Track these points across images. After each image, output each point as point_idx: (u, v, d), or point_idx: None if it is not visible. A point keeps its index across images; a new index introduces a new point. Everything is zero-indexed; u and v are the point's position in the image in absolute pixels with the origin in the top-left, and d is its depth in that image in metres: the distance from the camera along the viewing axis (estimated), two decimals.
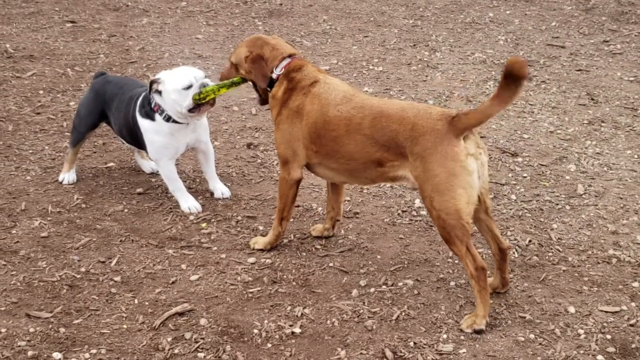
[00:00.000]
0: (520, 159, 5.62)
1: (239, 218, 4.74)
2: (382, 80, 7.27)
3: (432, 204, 3.65)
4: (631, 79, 7.40)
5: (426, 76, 7.40)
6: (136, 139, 4.83)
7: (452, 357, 3.53)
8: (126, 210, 4.80)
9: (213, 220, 4.71)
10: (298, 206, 4.88)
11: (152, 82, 4.61)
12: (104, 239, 4.46)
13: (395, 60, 7.86)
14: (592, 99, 6.87)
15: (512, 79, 3.43)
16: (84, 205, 4.83)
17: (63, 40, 8.14)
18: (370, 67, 7.62)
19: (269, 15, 9.38)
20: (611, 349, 3.60)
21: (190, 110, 4.59)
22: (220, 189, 4.99)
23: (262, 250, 4.36)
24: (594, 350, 3.59)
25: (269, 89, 4.24)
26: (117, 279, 4.08)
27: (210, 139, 5.02)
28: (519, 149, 5.78)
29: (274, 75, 4.19)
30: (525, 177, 5.37)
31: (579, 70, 7.65)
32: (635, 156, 5.71)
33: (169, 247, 4.40)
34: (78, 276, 4.09)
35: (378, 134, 3.80)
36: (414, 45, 8.38)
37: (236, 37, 8.49)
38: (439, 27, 9.10)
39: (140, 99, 4.74)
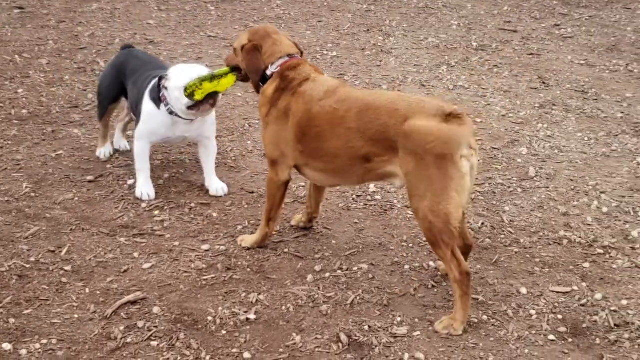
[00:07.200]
0: None
1: (193, 205, 4.69)
2: (336, 65, 7.26)
3: (423, 203, 3.50)
4: (581, 62, 7.50)
5: (380, 61, 7.41)
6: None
7: (406, 339, 3.54)
8: (76, 198, 4.72)
9: (166, 207, 4.66)
10: (253, 192, 4.86)
11: (160, 78, 4.60)
12: (53, 228, 4.38)
13: (350, 45, 7.85)
14: (544, 83, 6.95)
15: None
16: (33, 194, 4.73)
17: (11, 27, 7.97)
18: (325, 52, 7.60)
19: (222, 0, 9.30)
20: (562, 329, 3.65)
21: (189, 108, 4.54)
22: (216, 186, 4.86)
23: (249, 249, 4.25)
24: (545, 331, 3.64)
25: (261, 84, 4.08)
26: (68, 268, 4.01)
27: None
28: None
29: (269, 72, 4.02)
30: (478, 160, 5.40)
31: (531, 54, 7.73)
32: (586, 139, 5.79)
33: (121, 235, 4.34)
34: (27, 266, 4.01)
35: (365, 128, 3.64)
36: (368, 30, 8.38)
37: (188, 22, 8.41)
38: (392, 12, 9.11)
39: (154, 82, 4.71)
